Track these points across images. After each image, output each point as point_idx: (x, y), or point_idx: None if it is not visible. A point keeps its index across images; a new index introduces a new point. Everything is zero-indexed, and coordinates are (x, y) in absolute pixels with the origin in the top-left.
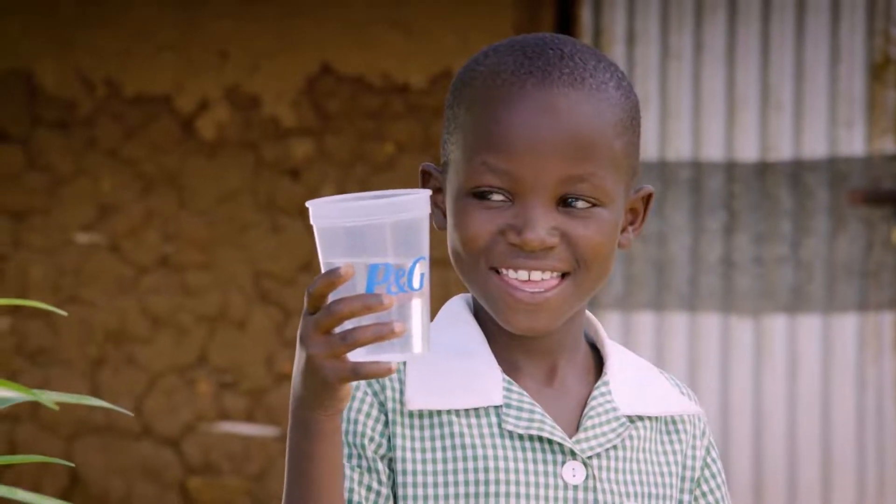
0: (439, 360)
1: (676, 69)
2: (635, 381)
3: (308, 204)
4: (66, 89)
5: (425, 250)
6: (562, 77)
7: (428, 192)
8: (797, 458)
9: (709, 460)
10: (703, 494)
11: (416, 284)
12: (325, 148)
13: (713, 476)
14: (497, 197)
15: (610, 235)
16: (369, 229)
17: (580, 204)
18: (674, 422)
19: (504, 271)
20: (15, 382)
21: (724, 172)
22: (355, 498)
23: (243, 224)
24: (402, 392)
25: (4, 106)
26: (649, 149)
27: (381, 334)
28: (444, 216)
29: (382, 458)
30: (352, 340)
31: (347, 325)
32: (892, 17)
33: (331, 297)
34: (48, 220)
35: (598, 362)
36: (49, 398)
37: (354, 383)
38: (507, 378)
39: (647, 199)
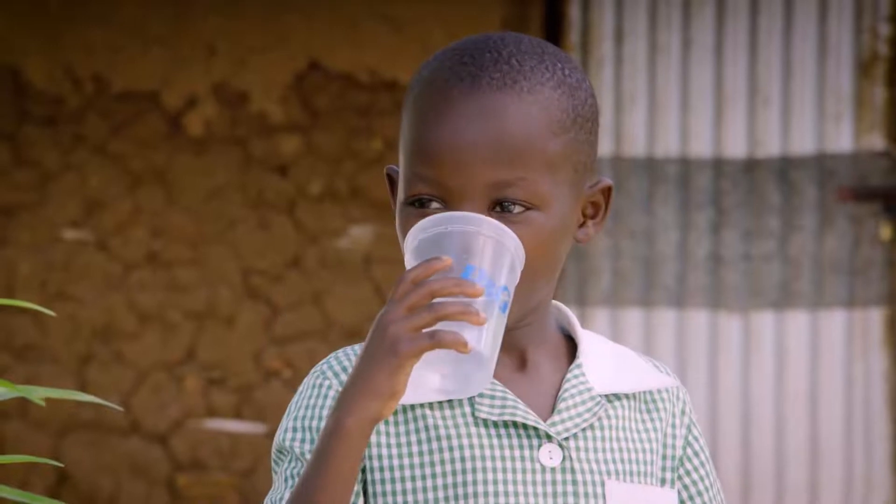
0: None
1: (664, 65)
2: (610, 361)
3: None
4: (53, 85)
5: (512, 285)
6: (491, 82)
7: (516, 238)
8: (785, 455)
9: (690, 438)
10: (687, 473)
11: (500, 305)
12: (314, 144)
13: (696, 454)
14: (434, 205)
15: (548, 237)
16: (472, 237)
17: (514, 208)
18: (653, 400)
19: None
20: (2, 379)
21: (712, 169)
22: None
23: (231, 220)
24: None
25: None
26: (637, 145)
27: (466, 311)
28: None
29: None
30: (435, 312)
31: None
32: (880, 13)
33: None
34: (36, 216)
35: (573, 351)
36: (37, 394)
37: (324, 384)
38: None
39: (607, 191)
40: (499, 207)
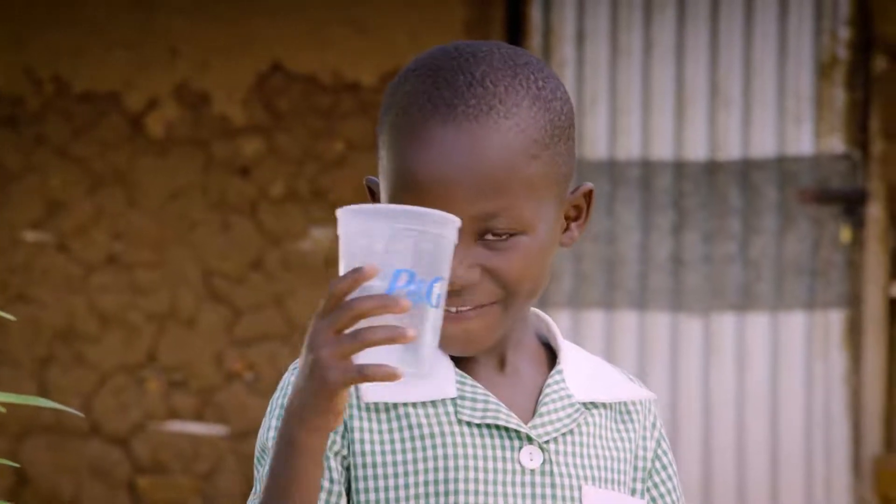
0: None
1: (626, 67)
2: (588, 370)
3: (339, 211)
4: (14, 86)
5: (445, 273)
6: (466, 111)
7: (458, 221)
8: (746, 455)
9: (659, 452)
10: (655, 485)
11: (433, 301)
12: (276, 146)
13: (664, 468)
14: None
15: (536, 258)
16: (398, 235)
17: (500, 236)
18: (627, 410)
19: None
20: None
21: (673, 171)
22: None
23: (193, 222)
24: (357, 389)
25: None
26: (599, 147)
27: (393, 336)
28: None
29: (335, 454)
30: (362, 339)
31: (362, 324)
32: (839, 16)
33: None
34: None
35: (551, 358)
36: None
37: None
38: (460, 371)
39: (589, 195)
40: (488, 235)
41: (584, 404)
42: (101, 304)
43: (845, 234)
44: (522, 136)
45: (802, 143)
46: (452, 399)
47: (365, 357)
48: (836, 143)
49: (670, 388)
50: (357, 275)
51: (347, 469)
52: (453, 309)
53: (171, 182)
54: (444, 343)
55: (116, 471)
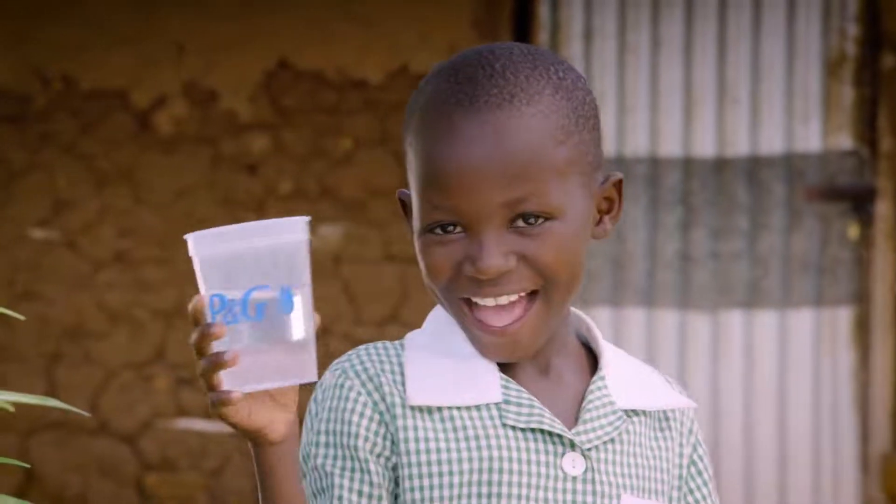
0: (436, 362)
1: (633, 65)
2: (630, 376)
3: (186, 237)
4: (21, 84)
5: (264, 280)
6: (488, 101)
7: (257, 224)
8: (754, 452)
9: (695, 457)
10: (690, 491)
11: (251, 314)
12: (283, 143)
13: (699, 473)
14: (453, 229)
15: (570, 244)
16: (206, 264)
17: (531, 222)
18: (666, 418)
19: (474, 299)
20: None
21: (681, 168)
22: (346, 503)
23: (200, 219)
24: (401, 391)
25: None
26: (606, 144)
27: (217, 363)
28: None
29: (378, 456)
30: (202, 371)
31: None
32: (847, 13)
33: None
34: (3, 215)
35: (592, 361)
36: (4, 399)
37: (346, 383)
38: (504, 376)
39: (619, 185)
40: (520, 222)
41: (626, 412)
42: (109, 301)
43: (853, 231)
44: (546, 121)
45: (810, 139)
46: (497, 403)
47: (241, 379)
48: (845, 140)
49: None
50: (193, 313)
51: (394, 468)
52: (493, 301)
53: (179, 179)
54: (485, 348)
55: (124, 468)
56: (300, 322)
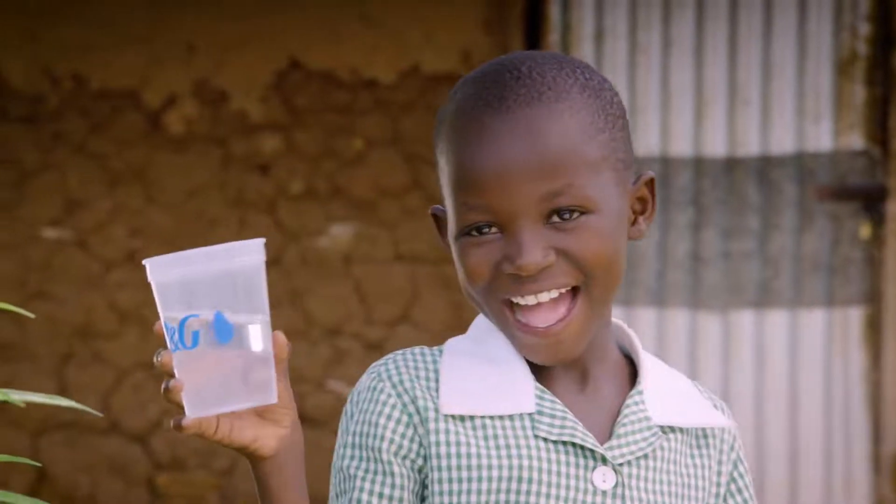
0: (473, 369)
1: (645, 65)
2: (669, 391)
3: (144, 262)
4: (32, 84)
5: (198, 308)
6: (517, 99)
7: (213, 248)
8: (765, 453)
9: (735, 474)
10: None
11: (187, 342)
12: (294, 143)
13: (739, 491)
14: (489, 230)
15: (607, 238)
16: (159, 287)
17: (567, 216)
18: (704, 435)
19: (514, 299)
20: None
21: (691, 168)
22: None
23: (211, 219)
24: (435, 397)
25: None
26: None
27: (164, 389)
28: None
29: (404, 458)
30: (163, 397)
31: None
32: (859, 12)
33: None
34: (15, 215)
35: (632, 372)
36: (17, 398)
37: (378, 386)
38: (540, 386)
39: (651, 184)
40: (555, 217)
41: (662, 427)
42: (120, 300)
43: (864, 231)
44: (576, 117)
45: (821, 139)
46: (530, 414)
47: (200, 404)
48: (856, 140)
49: None
50: (157, 338)
51: (422, 471)
52: (534, 299)
53: (190, 179)
54: (529, 350)
55: (135, 468)
56: (253, 344)
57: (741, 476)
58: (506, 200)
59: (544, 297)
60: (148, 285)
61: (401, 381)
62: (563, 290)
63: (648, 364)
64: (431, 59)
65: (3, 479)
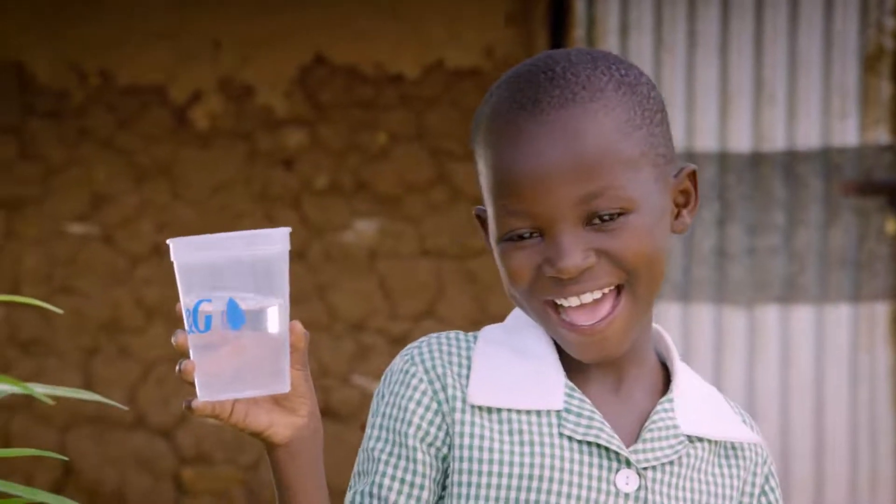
0: (505, 360)
1: (670, 61)
2: (700, 402)
3: (169, 242)
4: (58, 79)
5: (212, 293)
6: (552, 101)
7: (237, 234)
8: (790, 449)
9: (767, 489)
10: None
11: (200, 326)
12: (319, 138)
13: None
14: (529, 234)
15: (648, 236)
16: (181, 268)
17: (606, 218)
18: (733, 448)
19: (558, 301)
20: (8, 373)
21: (717, 163)
22: (384, 490)
23: (237, 214)
24: (464, 385)
25: None
26: None
27: (180, 371)
28: None
29: (429, 446)
30: (178, 377)
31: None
32: (885, 7)
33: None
34: (41, 210)
35: (665, 379)
36: (43, 392)
37: (410, 370)
38: (570, 384)
39: (693, 176)
40: (595, 219)
41: (689, 437)
42: (146, 295)
43: (890, 226)
44: (612, 116)
45: (847, 134)
46: (557, 412)
47: (213, 388)
48: (882, 135)
49: (714, 381)
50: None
51: (444, 460)
52: (577, 300)
53: (215, 174)
54: (576, 348)
55: (161, 462)
56: (270, 330)
57: (772, 490)
58: (544, 204)
59: (587, 297)
60: (173, 281)
61: (433, 367)
62: (607, 290)
63: (682, 373)
64: (456, 55)
65: (30, 474)
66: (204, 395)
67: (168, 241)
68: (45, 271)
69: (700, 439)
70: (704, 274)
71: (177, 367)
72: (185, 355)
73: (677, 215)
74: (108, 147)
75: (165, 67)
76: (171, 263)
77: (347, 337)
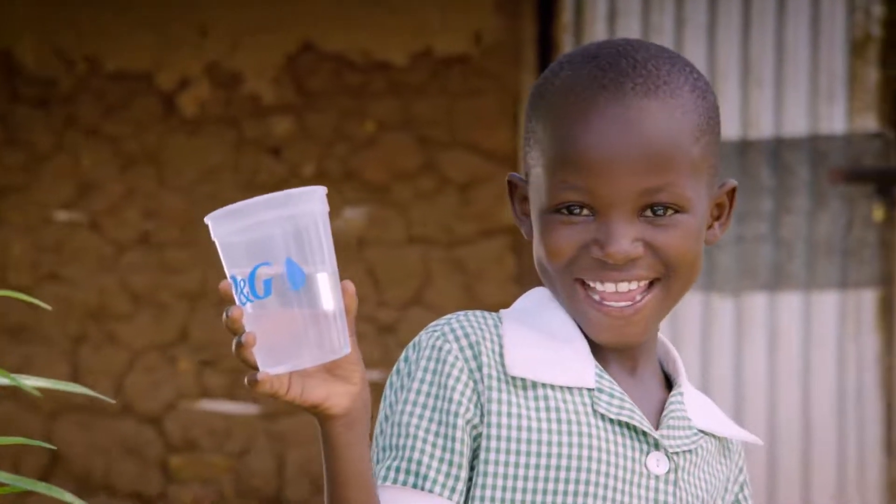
0: (534, 338)
1: None
2: (700, 401)
3: (206, 219)
4: (45, 66)
5: (269, 256)
6: (635, 88)
7: (273, 196)
8: (778, 436)
9: (741, 497)
10: None
11: (259, 292)
12: (306, 125)
13: (745, 500)
14: (580, 211)
15: (694, 240)
16: (225, 248)
17: (662, 212)
18: (726, 447)
19: (591, 283)
20: None
21: None
22: (423, 468)
23: (224, 201)
24: (499, 361)
25: None
26: None
27: (237, 345)
28: (531, 226)
29: (468, 423)
30: (234, 354)
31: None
32: None
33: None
34: (28, 197)
35: (666, 381)
36: (30, 384)
37: (445, 346)
38: (599, 365)
39: (732, 192)
40: (649, 212)
41: (699, 431)
42: (133, 283)
43: (878, 214)
44: (687, 116)
45: (835, 121)
46: (590, 390)
47: (273, 359)
48: (869, 122)
49: (701, 369)
50: (222, 295)
51: (476, 438)
52: (613, 287)
53: (203, 161)
54: (598, 329)
55: (149, 450)
56: (323, 294)
57: (747, 484)
58: (607, 187)
59: (623, 286)
60: (160, 268)
61: (469, 344)
62: (643, 283)
63: (683, 373)
64: (444, 42)
65: (17, 462)
66: (266, 368)
67: (206, 220)
68: (32, 258)
69: (705, 433)
70: None
71: (234, 343)
72: (238, 331)
73: (710, 226)
74: (95, 134)
75: (153, 55)
76: (166, 249)
77: None
